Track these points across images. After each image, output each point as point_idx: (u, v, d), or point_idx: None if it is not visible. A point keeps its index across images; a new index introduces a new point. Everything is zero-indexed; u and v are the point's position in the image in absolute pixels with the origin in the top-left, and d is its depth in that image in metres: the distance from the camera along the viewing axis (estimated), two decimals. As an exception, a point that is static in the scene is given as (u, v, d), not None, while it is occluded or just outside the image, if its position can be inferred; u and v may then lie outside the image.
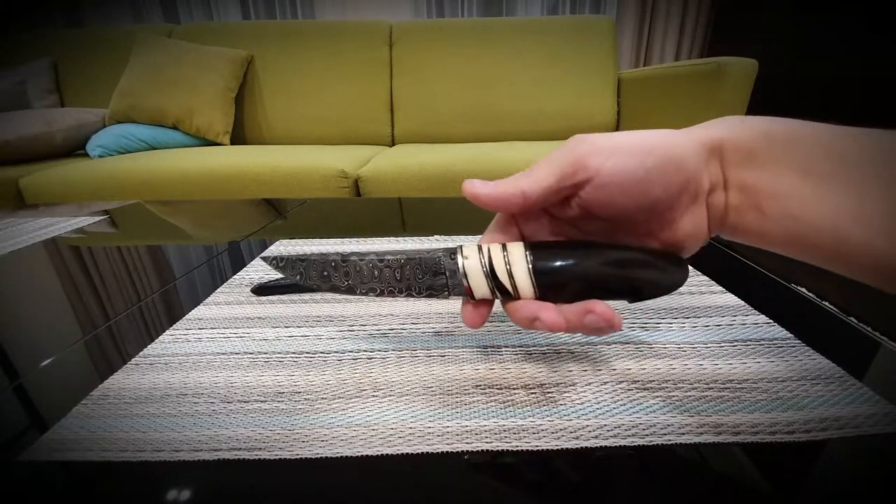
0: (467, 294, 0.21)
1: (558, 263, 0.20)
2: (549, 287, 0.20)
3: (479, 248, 0.21)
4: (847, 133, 0.17)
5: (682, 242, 0.21)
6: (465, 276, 0.21)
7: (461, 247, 0.21)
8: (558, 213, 0.22)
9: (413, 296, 0.22)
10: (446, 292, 0.22)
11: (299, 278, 0.23)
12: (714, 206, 0.20)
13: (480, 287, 0.21)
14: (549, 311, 0.19)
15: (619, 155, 0.19)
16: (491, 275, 0.20)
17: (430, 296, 0.22)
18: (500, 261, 0.20)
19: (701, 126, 0.20)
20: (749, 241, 0.20)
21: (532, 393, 0.23)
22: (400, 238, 0.48)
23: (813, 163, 0.17)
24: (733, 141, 0.19)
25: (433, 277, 0.21)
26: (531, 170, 0.20)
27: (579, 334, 0.28)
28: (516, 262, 0.20)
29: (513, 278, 0.20)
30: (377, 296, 0.22)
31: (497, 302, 0.22)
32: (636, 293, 0.21)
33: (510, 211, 0.22)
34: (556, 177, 0.19)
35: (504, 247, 0.21)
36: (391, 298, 0.21)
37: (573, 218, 0.21)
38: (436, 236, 0.48)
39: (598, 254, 0.20)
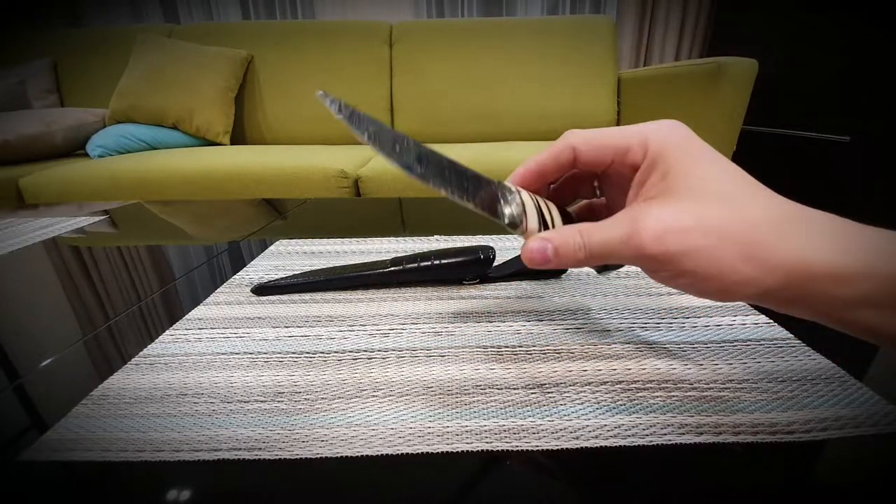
0: (518, 222, 0.21)
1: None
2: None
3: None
4: None
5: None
6: (524, 205, 0.21)
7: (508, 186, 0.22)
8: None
9: (470, 201, 0.21)
10: (502, 214, 0.21)
11: (366, 136, 0.21)
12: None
13: (532, 217, 0.22)
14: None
15: (672, 276, 0.18)
16: (540, 212, 0.22)
17: (487, 209, 0.21)
18: (543, 207, 0.22)
19: (805, 230, 0.16)
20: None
21: (532, 393, 0.23)
22: (400, 238, 0.48)
23: None
24: (826, 280, 0.15)
25: (493, 201, 0.21)
26: (592, 242, 0.19)
27: (580, 334, 0.28)
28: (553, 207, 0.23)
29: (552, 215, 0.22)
30: (439, 186, 0.21)
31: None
32: None
33: None
34: (614, 261, 0.19)
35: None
36: (450, 195, 0.21)
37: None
38: (436, 236, 0.48)
39: None
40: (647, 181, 0.19)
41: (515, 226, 0.21)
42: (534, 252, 0.20)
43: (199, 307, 0.33)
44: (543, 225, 0.22)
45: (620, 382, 0.23)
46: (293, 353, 0.27)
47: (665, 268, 0.18)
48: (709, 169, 0.18)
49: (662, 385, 0.23)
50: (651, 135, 0.19)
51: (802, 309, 0.17)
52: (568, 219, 0.23)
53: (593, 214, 0.25)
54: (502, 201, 0.21)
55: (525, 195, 0.22)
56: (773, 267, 0.16)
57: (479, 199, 0.21)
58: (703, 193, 0.17)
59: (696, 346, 0.26)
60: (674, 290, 0.24)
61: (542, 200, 0.23)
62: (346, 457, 0.19)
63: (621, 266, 0.22)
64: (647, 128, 0.20)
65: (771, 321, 0.29)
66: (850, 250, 0.15)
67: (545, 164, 0.22)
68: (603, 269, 0.27)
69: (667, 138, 0.19)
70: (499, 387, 0.23)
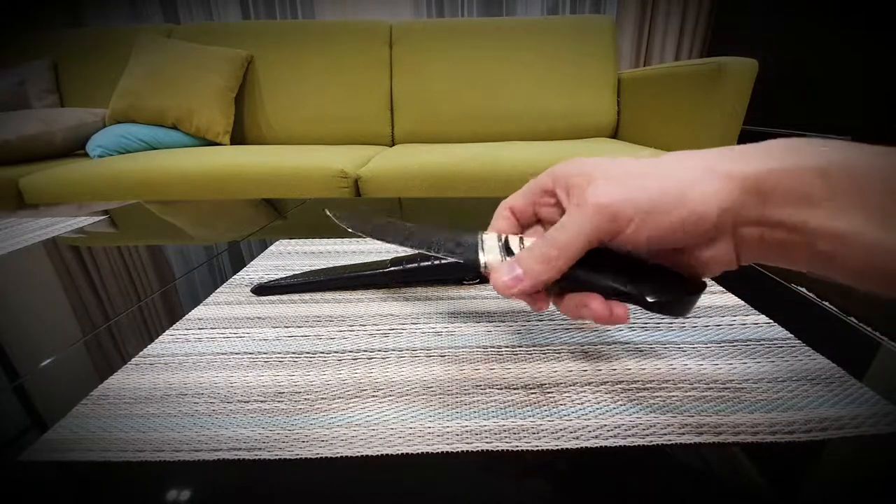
0: (471, 257, 0.23)
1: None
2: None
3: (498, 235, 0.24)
4: None
5: (703, 266, 0.20)
6: (482, 242, 0.23)
7: (481, 233, 0.24)
8: None
9: (435, 253, 0.25)
10: (463, 258, 0.24)
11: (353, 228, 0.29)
12: (747, 238, 0.19)
13: (493, 251, 0.23)
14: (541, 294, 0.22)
15: (639, 221, 0.18)
16: (505, 246, 0.23)
17: (449, 252, 0.24)
18: (514, 241, 0.23)
19: (737, 154, 0.18)
20: (809, 271, 0.18)
21: (532, 393, 0.23)
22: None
23: (874, 204, 0.15)
24: (780, 182, 0.17)
25: (456, 246, 0.24)
26: (558, 237, 0.20)
27: (580, 334, 0.28)
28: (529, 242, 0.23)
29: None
30: (404, 245, 0.26)
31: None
32: (638, 300, 0.21)
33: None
34: (584, 247, 0.20)
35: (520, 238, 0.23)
36: (415, 250, 0.26)
37: None
38: (436, 236, 0.47)
39: (606, 257, 0.21)
40: (569, 191, 0.21)
41: (474, 262, 0.23)
42: (502, 273, 0.21)
43: (199, 307, 0.33)
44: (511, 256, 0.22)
45: (620, 382, 0.23)
46: (293, 353, 0.27)
47: (630, 216, 0.18)
48: (618, 161, 0.20)
49: (662, 385, 0.23)
50: (552, 168, 0.23)
51: (776, 229, 0.17)
52: None
53: None
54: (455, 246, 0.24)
55: (489, 235, 0.23)
56: (737, 177, 0.17)
57: (427, 245, 0.25)
58: (630, 170, 0.19)
59: (695, 346, 0.26)
60: (679, 311, 0.23)
61: (518, 238, 0.23)
62: (346, 457, 0.19)
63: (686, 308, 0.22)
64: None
65: (771, 321, 0.29)
66: (808, 156, 0.17)
67: (515, 204, 0.25)
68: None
69: (562, 164, 0.22)
70: (499, 387, 0.23)
